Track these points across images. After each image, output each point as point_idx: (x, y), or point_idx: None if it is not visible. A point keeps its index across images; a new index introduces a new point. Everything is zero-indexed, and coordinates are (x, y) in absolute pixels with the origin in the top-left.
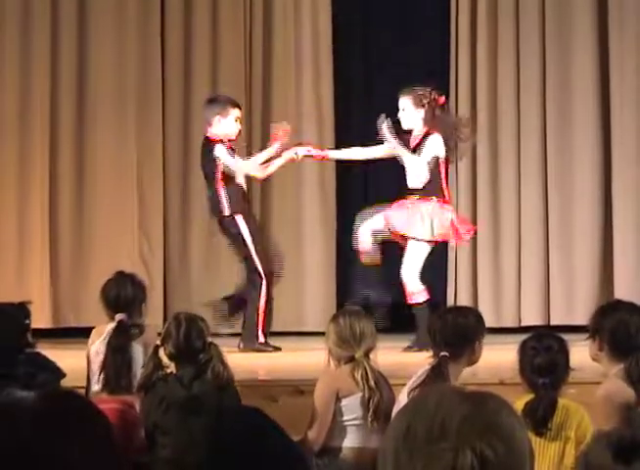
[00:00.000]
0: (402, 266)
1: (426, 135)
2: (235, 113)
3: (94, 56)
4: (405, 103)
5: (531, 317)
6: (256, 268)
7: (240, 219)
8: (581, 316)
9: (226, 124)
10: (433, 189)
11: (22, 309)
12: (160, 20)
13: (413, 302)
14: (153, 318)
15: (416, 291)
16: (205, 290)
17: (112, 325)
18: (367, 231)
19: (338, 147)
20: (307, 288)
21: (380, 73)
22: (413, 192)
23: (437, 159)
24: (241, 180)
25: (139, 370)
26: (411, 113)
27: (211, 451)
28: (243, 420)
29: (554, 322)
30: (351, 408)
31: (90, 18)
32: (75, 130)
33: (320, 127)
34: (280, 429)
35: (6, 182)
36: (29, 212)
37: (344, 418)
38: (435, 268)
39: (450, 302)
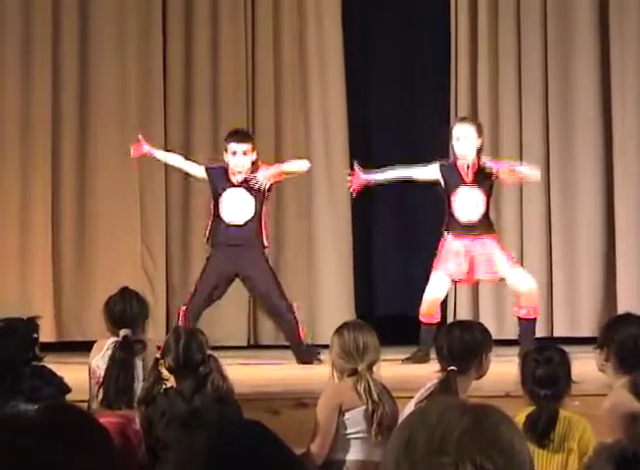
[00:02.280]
0: (521, 285)
1: (489, 167)
2: (231, 147)
3: (96, 74)
4: (469, 131)
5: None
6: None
7: (211, 253)
8: (585, 328)
9: (228, 159)
10: (489, 222)
11: (30, 324)
12: (161, 36)
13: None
14: (155, 331)
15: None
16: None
17: (113, 340)
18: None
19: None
20: (322, 300)
21: (381, 89)
22: (471, 226)
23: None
24: (225, 214)
25: (139, 385)
26: (474, 141)
27: (212, 466)
28: (244, 434)
29: (557, 334)
30: (355, 422)
31: (91, 34)
32: (78, 146)
33: (329, 143)
34: (282, 442)
35: (9, 197)
36: (32, 227)
37: (348, 431)
38: None
39: (451, 314)
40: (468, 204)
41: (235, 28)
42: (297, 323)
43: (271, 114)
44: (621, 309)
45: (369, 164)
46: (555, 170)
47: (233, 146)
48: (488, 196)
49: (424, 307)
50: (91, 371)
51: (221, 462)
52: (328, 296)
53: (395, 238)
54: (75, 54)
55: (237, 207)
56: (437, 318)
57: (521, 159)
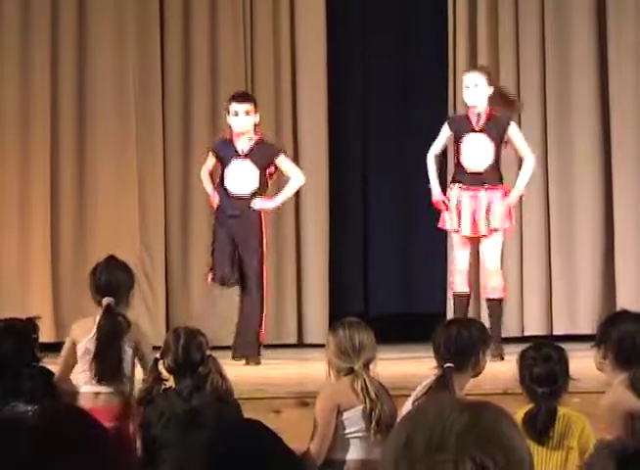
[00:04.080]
0: (487, 259)
1: (501, 117)
2: (232, 107)
3: (93, 70)
4: (479, 79)
5: (534, 327)
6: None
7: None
8: (584, 326)
9: (230, 121)
10: (498, 174)
11: (30, 325)
12: (159, 28)
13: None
14: (156, 331)
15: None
16: (208, 302)
17: (98, 317)
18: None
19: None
20: (307, 299)
21: (378, 82)
22: (478, 176)
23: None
24: (230, 186)
25: (128, 367)
26: (484, 90)
27: (212, 466)
28: (243, 433)
29: (557, 332)
30: (353, 421)
31: (89, 28)
32: (76, 144)
33: (316, 127)
34: (281, 442)
35: (7, 197)
36: (31, 227)
37: (347, 431)
38: (437, 278)
39: (451, 312)
40: (475, 152)
41: (233, 17)
42: (262, 309)
43: (271, 106)
44: (621, 307)
45: (367, 159)
46: (553, 170)
47: (234, 106)
48: (498, 145)
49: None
50: (79, 350)
51: (220, 462)
52: (313, 294)
53: (393, 234)
54: (74, 43)
55: (242, 179)
56: (467, 289)
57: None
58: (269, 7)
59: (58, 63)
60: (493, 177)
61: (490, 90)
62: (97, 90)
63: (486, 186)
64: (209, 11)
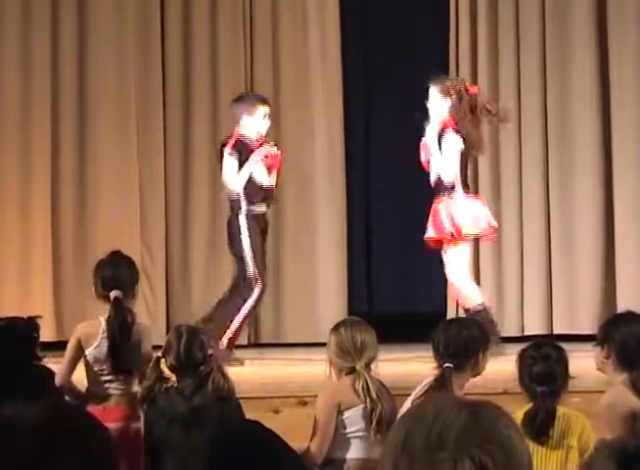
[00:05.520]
0: (446, 271)
1: (442, 131)
2: (263, 109)
3: (94, 70)
4: (432, 92)
5: (534, 327)
6: (248, 272)
7: (242, 219)
8: (584, 325)
9: (254, 122)
10: (442, 186)
11: (31, 324)
12: (159, 29)
13: (465, 306)
14: (156, 328)
15: (466, 294)
16: (208, 301)
17: (103, 321)
18: None
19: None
20: (319, 298)
21: (382, 76)
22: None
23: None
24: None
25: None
26: (437, 102)
27: (212, 465)
28: (243, 434)
29: (557, 331)
30: (354, 420)
31: (90, 28)
32: (77, 144)
33: (329, 125)
34: (282, 441)
35: (8, 196)
36: (32, 226)
37: (347, 430)
38: (438, 278)
39: (452, 312)
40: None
41: (233, 17)
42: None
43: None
44: (621, 307)
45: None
46: (553, 170)
47: (266, 109)
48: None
49: None
50: (87, 357)
51: (221, 462)
52: (324, 293)
53: (395, 234)
54: (74, 43)
55: (264, 171)
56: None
57: (520, 147)
58: (268, 7)
59: (58, 62)
60: (439, 188)
61: (447, 101)
62: (97, 90)
63: (437, 197)
64: (210, 10)
